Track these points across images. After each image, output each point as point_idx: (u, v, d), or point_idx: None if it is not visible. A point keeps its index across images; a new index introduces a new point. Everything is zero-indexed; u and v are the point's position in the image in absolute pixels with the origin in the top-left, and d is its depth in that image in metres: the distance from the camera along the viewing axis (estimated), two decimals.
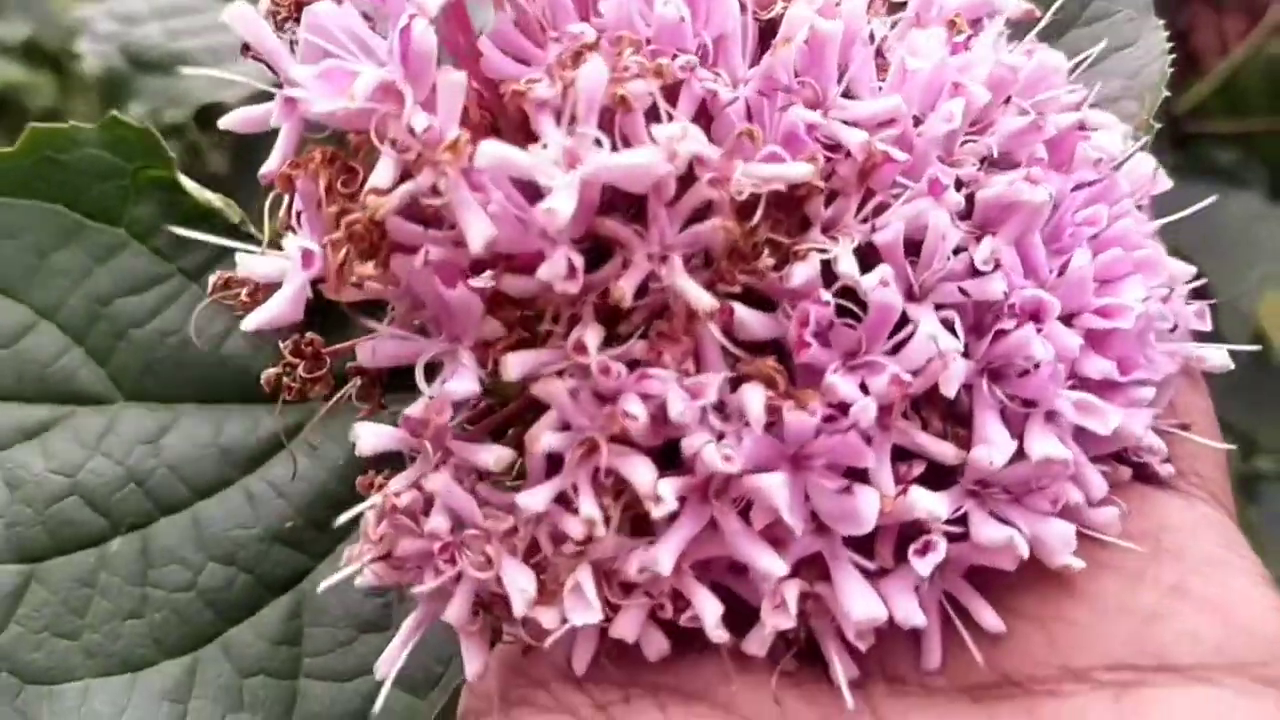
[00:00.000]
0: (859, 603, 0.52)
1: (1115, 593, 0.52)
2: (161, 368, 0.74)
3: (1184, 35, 1.62)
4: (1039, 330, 0.53)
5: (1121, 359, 0.55)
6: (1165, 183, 0.62)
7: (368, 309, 0.57)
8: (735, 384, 0.52)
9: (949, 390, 0.51)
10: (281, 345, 0.58)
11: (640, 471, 0.51)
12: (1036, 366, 0.52)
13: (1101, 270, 0.56)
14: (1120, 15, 0.76)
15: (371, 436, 0.53)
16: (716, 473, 0.50)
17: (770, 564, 0.51)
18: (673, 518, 0.52)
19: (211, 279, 0.63)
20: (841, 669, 0.53)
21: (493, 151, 0.49)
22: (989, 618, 0.53)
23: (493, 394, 0.58)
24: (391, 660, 0.57)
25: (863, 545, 0.53)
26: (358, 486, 0.56)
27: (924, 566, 0.51)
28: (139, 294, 0.74)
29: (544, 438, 0.52)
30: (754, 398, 0.51)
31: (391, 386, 0.61)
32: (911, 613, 0.52)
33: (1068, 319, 0.55)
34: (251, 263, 0.58)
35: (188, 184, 0.76)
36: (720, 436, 0.51)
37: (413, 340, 0.56)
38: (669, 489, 0.50)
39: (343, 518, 0.56)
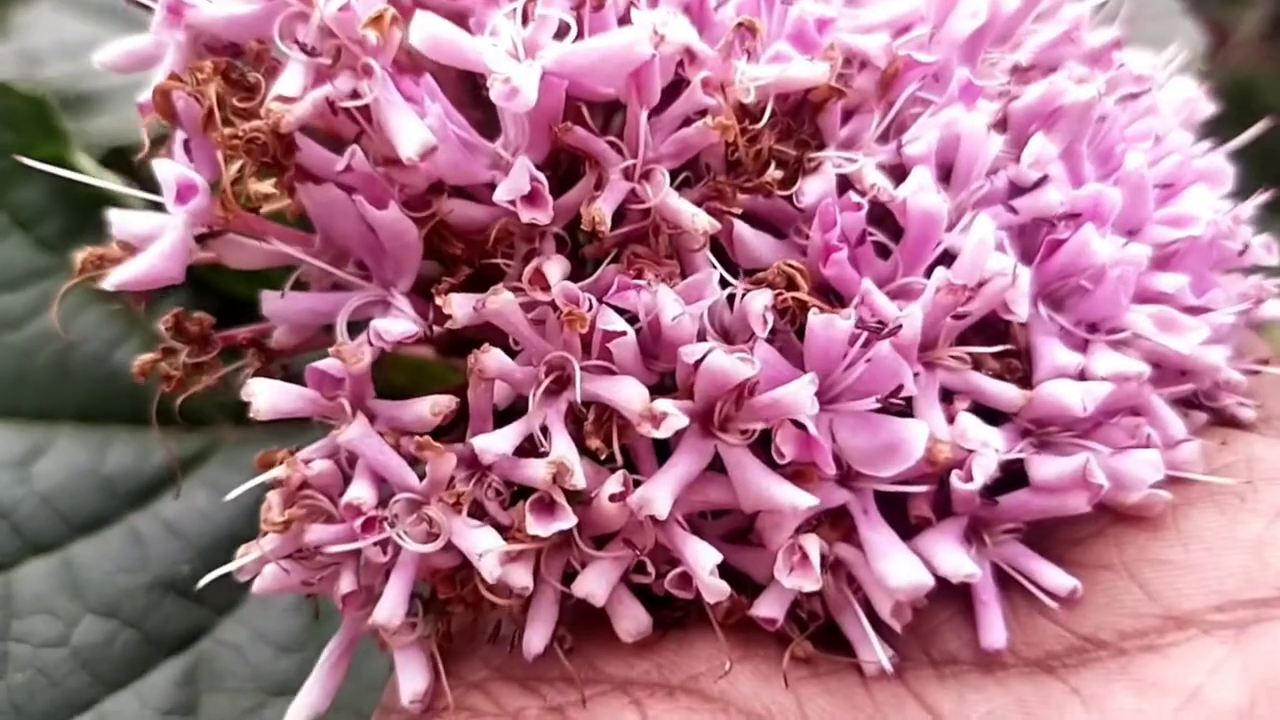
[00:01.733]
0: (897, 566, 0.41)
1: (1214, 525, 0.43)
2: (38, 379, 0.62)
3: None
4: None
5: (1193, 281, 0.46)
6: (1209, 107, 0.53)
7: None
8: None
9: (1020, 309, 0.41)
10: (160, 325, 0.46)
11: (627, 390, 0.40)
12: (1098, 281, 0.43)
13: (1162, 176, 0.47)
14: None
15: (270, 395, 0.41)
16: (727, 387, 0.40)
17: (793, 496, 0.40)
18: (661, 459, 0.41)
19: (79, 256, 0.47)
20: (865, 650, 0.42)
21: (430, 27, 0.39)
22: (1054, 577, 0.43)
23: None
24: (308, 710, 0.44)
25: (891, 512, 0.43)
26: (254, 465, 0.44)
27: (976, 482, 0.41)
28: (15, 290, 0.62)
29: (494, 356, 0.41)
30: (760, 298, 0.40)
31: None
32: (959, 562, 0.41)
33: (1130, 235, 0.45)
34: (127, 220, 0.46)
35: (85, 163, 0.65)
36: None
37: (328, 294, 0.45)
38: (672, 405, 0.39)
39: (242, 551, 0.43)
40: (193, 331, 0.47)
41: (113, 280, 0.43)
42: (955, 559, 0.41)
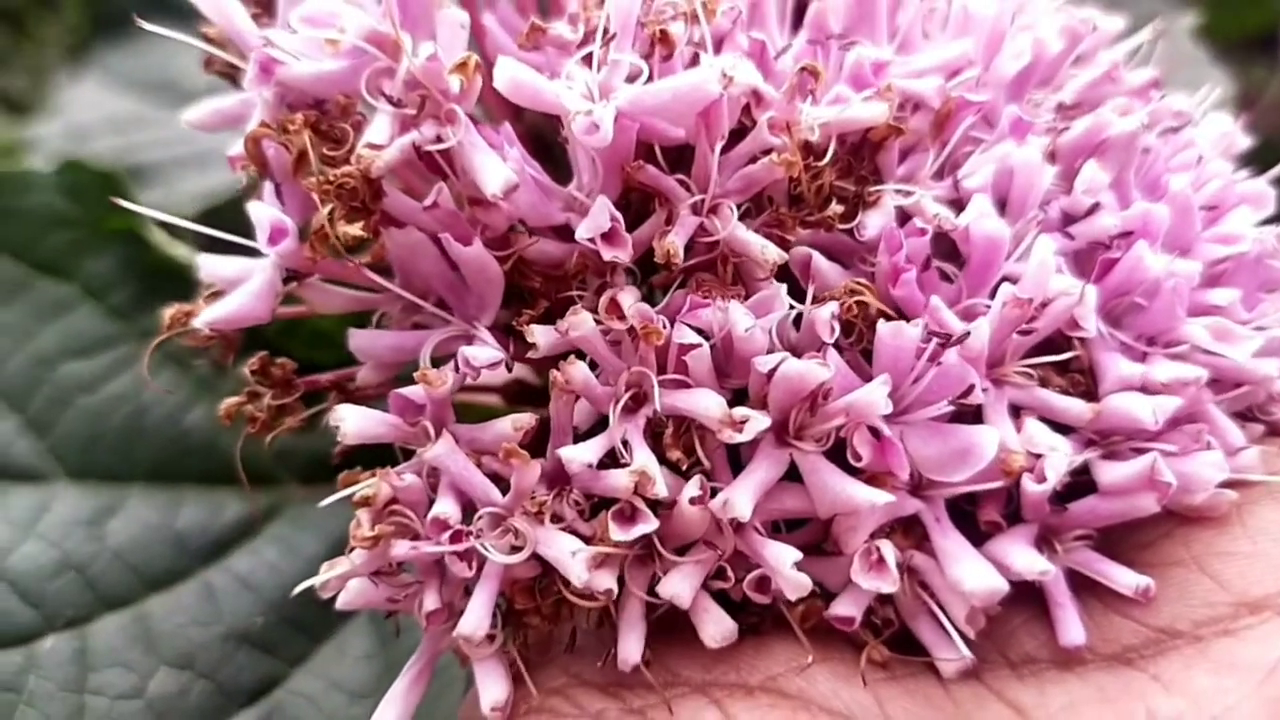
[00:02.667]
0: (971, 571, 0.42)
1: (1278, 518, 0.44)
2: (110, 441, 0.64)
3: None
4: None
5: (1243, 296, 0.47)
6: (1245, 140, 0.55)
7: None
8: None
9: (1089, 324, 0.43)
10: (246, 369, 0.48)
11: (705, 400, 0.41)
12: (1153, 297, 0.44)
13: (1207, 198, 0.48)
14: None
15: (357, 420, 0.43)
16: (802, 394, 0.41)
17: (870, 495, 0.41)
18: (736, 471, 0.43)
19: (167, 312, 0.50)
20: (948, 649, 0.43)
21: (512, 71, 0.42)
22: (1126, 577, 0.43)
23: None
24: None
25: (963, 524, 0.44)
26: (339, 483, 0.45)
27: (1049, 482, 0.42)
28: (89, 357, 0.64)
29: (579, 368, 0.42)
30: (828, 308, 0.42)
31: None
32: (1032, 561, 0.42)
33: (1180, 254, 0.47)
34: (215, 265, 0.48)
35: (155, 235, 0.67)
36: None
37: (413, 332, 0.46)
38: (753, 411, 0.41)
39: (327, 566, 0.44)
40: (277, 375, 0.49)
41: (203, 318, 0.45)
42: (1028, 558, 0.42)
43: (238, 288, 0.46)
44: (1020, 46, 0.49)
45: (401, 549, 0.42)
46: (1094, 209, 0.46)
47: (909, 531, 0.43)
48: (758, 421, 0.41)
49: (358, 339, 0.46)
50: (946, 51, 0.49)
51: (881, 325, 0.41)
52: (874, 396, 0.40)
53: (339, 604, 0.44)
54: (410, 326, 0.48)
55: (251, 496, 0.64)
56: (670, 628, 0.44)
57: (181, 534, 0.63)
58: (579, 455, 0.41)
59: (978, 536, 0.44)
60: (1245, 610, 0.42)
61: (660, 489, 0.41)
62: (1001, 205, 0.47)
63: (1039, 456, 0.42)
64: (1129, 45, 0.55)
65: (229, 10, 0.48)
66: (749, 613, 0.44)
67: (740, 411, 0.41)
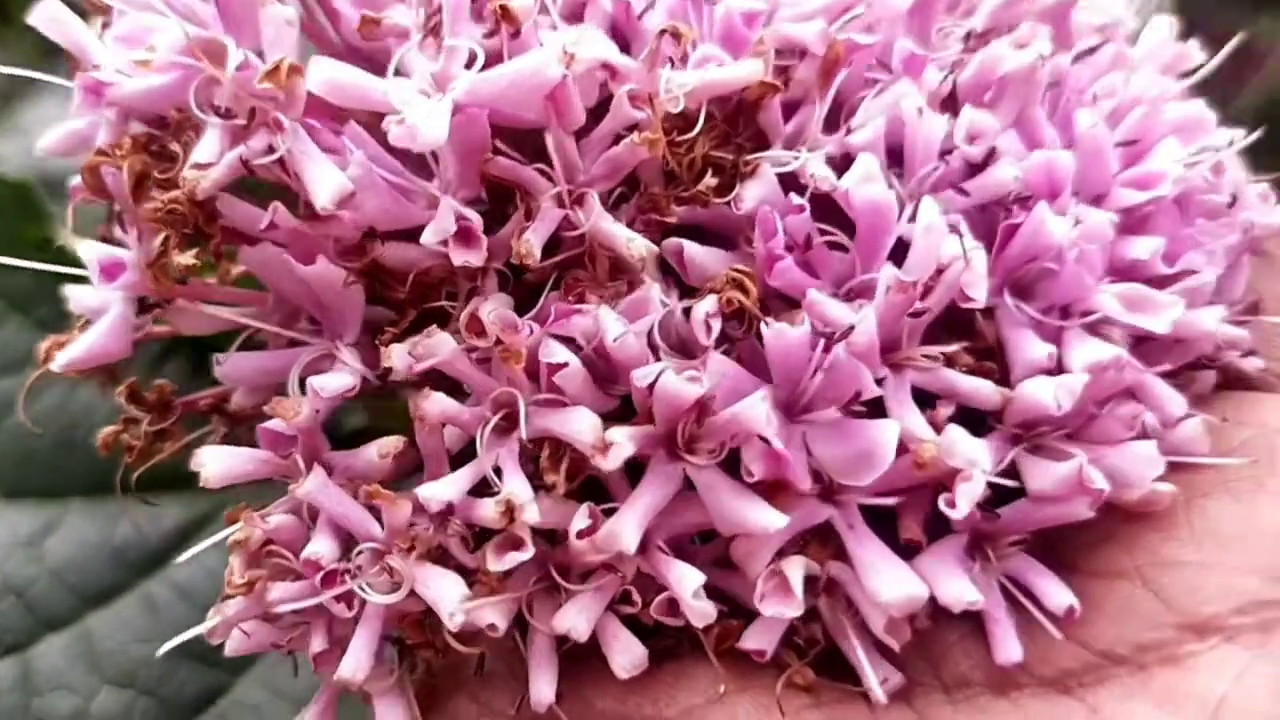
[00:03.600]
0: (888, 580, 0.39)
1: (1230, 517, 0.40)
2: (44, 458, 0.62)
3: None
4: (1057, 211, 0.41)
5: (1168, 243, 0.42)
6: (1195, 54, 0.50)
7: None
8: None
9: (977, 292, 0.39)
10: (115, 393, 0.46)
11: (578, 421, 0.38)
12: (1062, 262, 0.40)
13: (1127, 132, 0.43)
14: None
15: (221, 462, 0.40)
16: (682, 408, 0.38)
17: (767, 518, 0.38)
18: (635, 482, 0.40)
19: (42, 345, 0.46)
20: (874, 674, 0.40)
21: (327, 72, 0.38)
22: (1055, 595, 0.40)
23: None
24: None
25: (880, 529, 0.41)
26: (225, 520, 0.43)
27: (961, 509, 0.38)
28: (17, 373, 0.62)
29: (437, 398, 0.39)
30: (704, 304, 0.39)
31: None
32: (962, 589, 0.39)
33: (1095, 201, 0.42)
34: (82, 295, 0.46)
35: (75, 245, 0.65)
36: None
37: (280, 351, 0.44)
38: (623, 433, 0.38)
39: (212, 614, 0.42)
40: (151, 400, 0.46)
41: (58, 363, 0.43)
42: (956, 586, 0.39)
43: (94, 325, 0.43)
44: None
45: (278, 592, 0.41)
46: (991, 157, 0.41)
47: (826, 541, 0.40)
48: (622, 449, 0.37)
49: (224, 364, 0.44)
50: None
51: (764, 328, 0.38)
52: (755, 411, 0.37)
53: (227, 651, 0.42)
54: (285, 344, 0.45)
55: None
56: (588, 652, 0.41)
57: (120, 547, 0.62)
58: (438, 493, 0.39)
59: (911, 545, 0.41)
60: (1191, 634, 0.38)
61: (531, 517, 0.38)
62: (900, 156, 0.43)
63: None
64: None
65: (67, 25, 0.45)
66: (665, 636, 0.42)
67: (611, 435, 0.38)
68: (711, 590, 0.40)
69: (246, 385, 0.45)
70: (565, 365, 0.38)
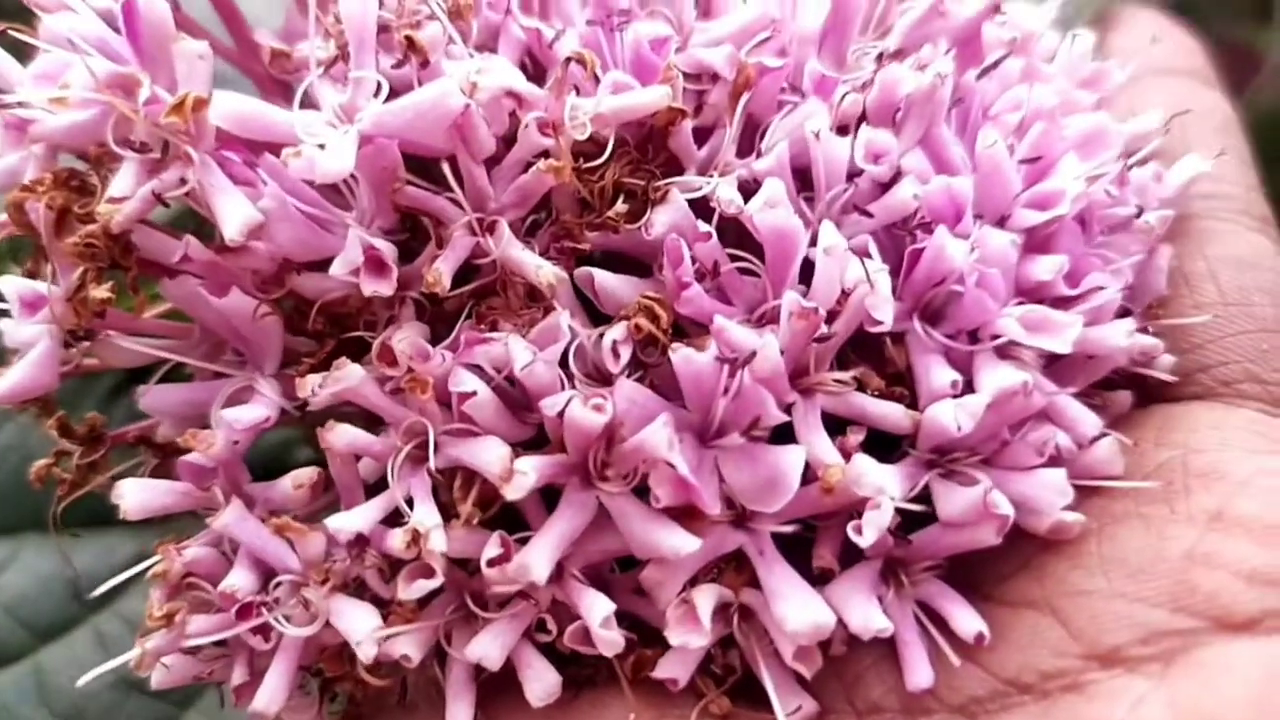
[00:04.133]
0: (795, 608, 0.39)
1: (1139, 545, 0.39)
2: (1, 494, 0.63)
3: None
4: (959, 235, 0.41)
5: (1072, 262, 0.42)
6: (1114, 74, 0.50)
7: None
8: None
9: (883, 314, 0.39)
10: (45, 426, 0.46)
11: (486, 451, 0.38)
12: (963, 280, 0.40)
13: (1029, 150, 0.43)
14: None
15: (139, 495, 0.41)
16: (591, 436, 0.38)
17: (677, 542, 0.38)
18: (549, 510, 0.40)
19: None
20: (781, 703, 0.39)
21: (230, 105, 0.39)
22: (965, 621, 0.40)
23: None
24: None
25: (801, 555, 0.41)
26: (151, 549, 0.43)
27: (868, 536, 0.38)
28: None
29: (343, 430, 0.40)
30: (614, 331, 0.39)
31: None
32: (870, 617, 0.39)
33: (1000, 222, 0.43)
34: (13, 329, 0.46)
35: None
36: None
37: (203, 384, 0.44)
38: (530, 464, 0.38)
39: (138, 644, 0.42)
40: (81, 433, 0.47)
41: None
42: (864, 613, 0.39)
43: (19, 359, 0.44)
44: None
45: (196, 625, 0.41)
46: (895, 179, 0.42)
47: (740, 568, 0.40)
48: (525, 479, 0.37)
49: (148, 397, 0.44)
50: (745, 14, 0.45)
51: (673, 353, 0.38)
52: (657, 438, 0.37)
53: (152, 684, 0.43)
54: (210, 376, 0.46)
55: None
56: (508, 680, 0.42)
57: (73, 582, 0.62)
58: (347, 524, 0.39)
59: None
60: (1095, 664, 0.38)
61: (436, 544, 0.38)
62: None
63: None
64: None
65: None
66: (584, 664, 0.42)
67: (519, 464, 0.38)
68: (632, 619, 0.40)
69: (171, 417, 0.45)
70: (474, 394, 0.39)
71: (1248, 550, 0.38)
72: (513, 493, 0.37)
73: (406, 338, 0.40)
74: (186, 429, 0.46)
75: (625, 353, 0.39)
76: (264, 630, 0.40)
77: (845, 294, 0.39)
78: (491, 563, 0.39)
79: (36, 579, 0.62)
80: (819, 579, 0.40)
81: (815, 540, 0.41)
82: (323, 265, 0.43)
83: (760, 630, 0.41)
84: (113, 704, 0.58)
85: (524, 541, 0.40)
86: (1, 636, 0.60)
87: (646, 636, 0.41)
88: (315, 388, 0.39)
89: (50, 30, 0.44)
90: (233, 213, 0.39)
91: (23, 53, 0.46)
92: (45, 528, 0.63)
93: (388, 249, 0.40)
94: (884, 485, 0.38)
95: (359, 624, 0.39)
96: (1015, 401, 0.39)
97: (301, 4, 0.49)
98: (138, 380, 0.62)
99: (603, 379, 0.41)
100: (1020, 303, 0.41)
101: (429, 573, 0.39)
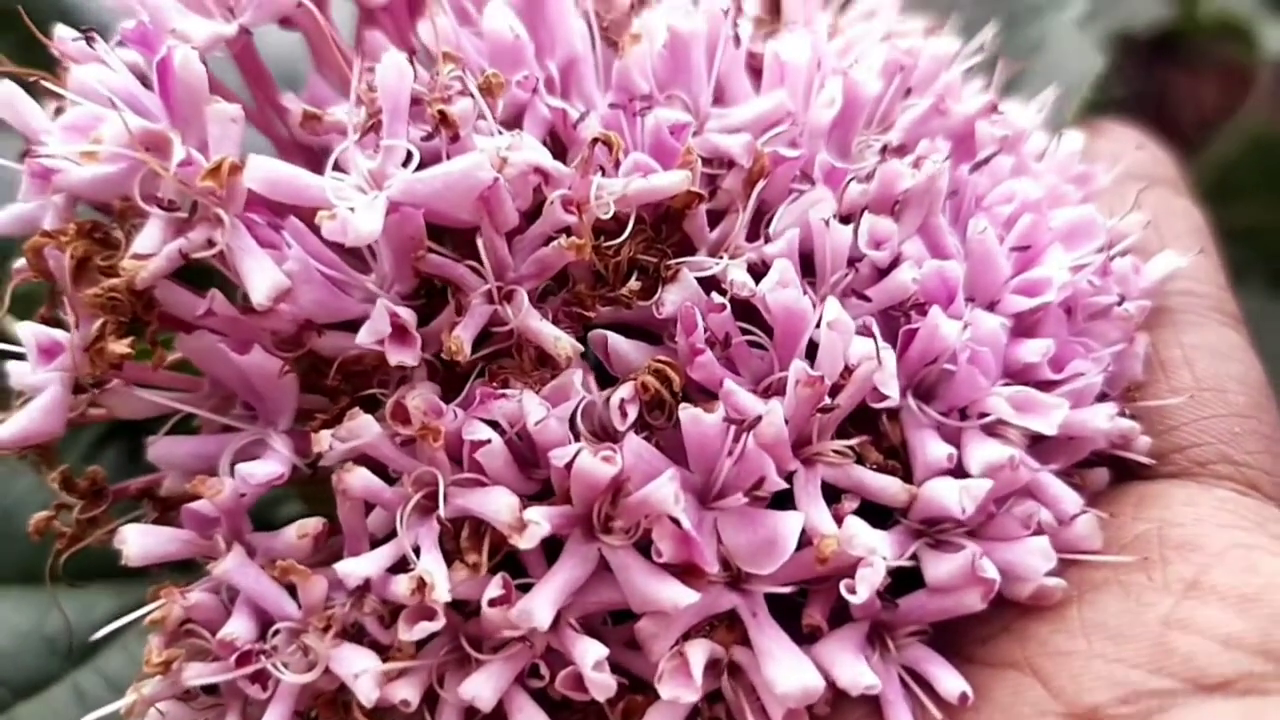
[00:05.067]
0: (785, 670, 0.39)
1: (1118, 610, 0.41)
2: None
3: (1158, 104, 1.45)
4: (952, 316, 0.43)
5: (1056, 348, 0.44)
6: (1100, 178, 0.53)
7: None
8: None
9: (890, 390, 0.40)
10: (48, 478, 0.46)
11: (495, 500, 0.39)
12: (955, 358, 0.42)
13: (1016, 240, 0.46)
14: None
15: (142, 541, 0.41)
16: (598, 488, 0.39)
17: (675, 594, 0.39)
18: (548, 560, 0.41)
19: None
20: None
21: (264, 170, 0.40)
22: (949, 683, 0.41)
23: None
24: None
25: (790, 616, 0.42)
26: (147, 597, 0.43)
27: (861, 594, 0.39)
28: None
29: (360, 473, 0.40)
30: (622, 390, 0.40)
31: None
32: (859, 673, 0.40)
33: (990, 307, 0.45)
34: (23, 373, 0.46)
35: (9, 325, 0.65)
36: None
37: (213, 436, 0.44)
38: (539, 513, 0.39)
39: (130, 691, 0.42)
40: (83, 486, 0.47)
41: None
42: (853, 670, 0.40)
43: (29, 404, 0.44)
44: (831, 93, 0.46)
45: (193, 672, 0.41)
46: (894, 265, 0.43)
47: (732, 627, 0.41)
48: (538, 529, 0.38)
49: (156, 448, 0.44)
50: (761, 105, 0.47)
51: (681, 412, 0.39)
52: (663, 493, 0.38)
53: None
54: (219, 429, 0.46)
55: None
56: None
57: (52, 637, 0.61)
58: (356, 570, 0.40)
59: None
60: None
61: (441, 594, 0.39)
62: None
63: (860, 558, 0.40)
64: (964, 64, 0.53)
65: (19, 108, 0.46)
66: (574, 711, 0.42)
67: (529, 515, 0.39)
68: (621, 671, 0.41)
69: (179, 470, 0.45)
70: (488, 442, 0.39)
71: (1222, 617, 0.39)
72: (525, 542, 0.38)
73: (420, 395, 0.41)
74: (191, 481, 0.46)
75: (632, 412, 0.40)
76: (261, 678, 0.40)
77: (849, 369, 0.41)
78: (493, 603, 0.40)
79: (14, 634, 0.61)
80: (806, 638, 0.41)
81: (806, 601, 0.42)
82: (339, 324, 0.44)
83: (748, 687, 0.41)
84: None
85: (522, 588, 0.40)
86: None
87: (636, 687, 0.42)
88: (332, 442, 0.40)
89: (79, 81, 0.45)
90: (261, 278, 0.40)
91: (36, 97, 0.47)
92: (25, 581, 0.63)
93: (410, 317, 0.41)
94: (876, 547, 0.40)
95: (359, 665, 0.39)
96: (1003, 475, 0.41)
97: (324, 69, 0.51)
98: (125, 431, 0.63)
99: (609, 438, 0.41)
100: (1008, 384, 0.43)
101: (430, 615, 0.39)
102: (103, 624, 0.62)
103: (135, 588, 0.64)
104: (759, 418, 0.39)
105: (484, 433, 0.40)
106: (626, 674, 0.41)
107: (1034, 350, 0.43)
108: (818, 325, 0.42)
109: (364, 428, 0.40)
